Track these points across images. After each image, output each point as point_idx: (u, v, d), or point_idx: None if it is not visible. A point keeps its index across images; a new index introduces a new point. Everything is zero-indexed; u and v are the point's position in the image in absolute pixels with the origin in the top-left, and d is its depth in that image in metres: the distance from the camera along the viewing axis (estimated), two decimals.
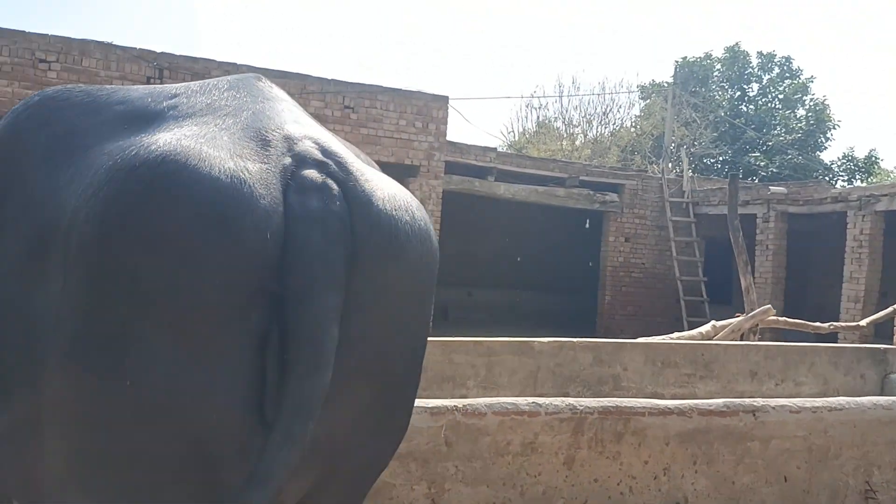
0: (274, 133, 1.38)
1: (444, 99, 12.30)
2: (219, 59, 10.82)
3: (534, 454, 2.91)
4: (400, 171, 12.20)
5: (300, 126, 1.45)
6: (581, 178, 14.99)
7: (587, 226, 15.87)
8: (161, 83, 10.49)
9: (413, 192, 12.51)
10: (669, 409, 3.04)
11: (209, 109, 1.46)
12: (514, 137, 25.68)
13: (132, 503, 1.29)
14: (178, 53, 10.59)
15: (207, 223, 1.21)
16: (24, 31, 9.70)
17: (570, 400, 3.00)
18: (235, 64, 10.92)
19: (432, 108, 12.16)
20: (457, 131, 46.42)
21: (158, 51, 10.50)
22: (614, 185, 15.42)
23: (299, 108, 1.62)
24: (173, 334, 1.23)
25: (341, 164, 1.37)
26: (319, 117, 11.49)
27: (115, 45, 10.26)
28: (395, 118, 11.90)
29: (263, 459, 1.21)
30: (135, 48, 10.37)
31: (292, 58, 48.53)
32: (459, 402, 2.81)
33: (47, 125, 1.49)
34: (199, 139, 1.30)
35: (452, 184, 13.08)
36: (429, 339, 1.71)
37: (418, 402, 2.78)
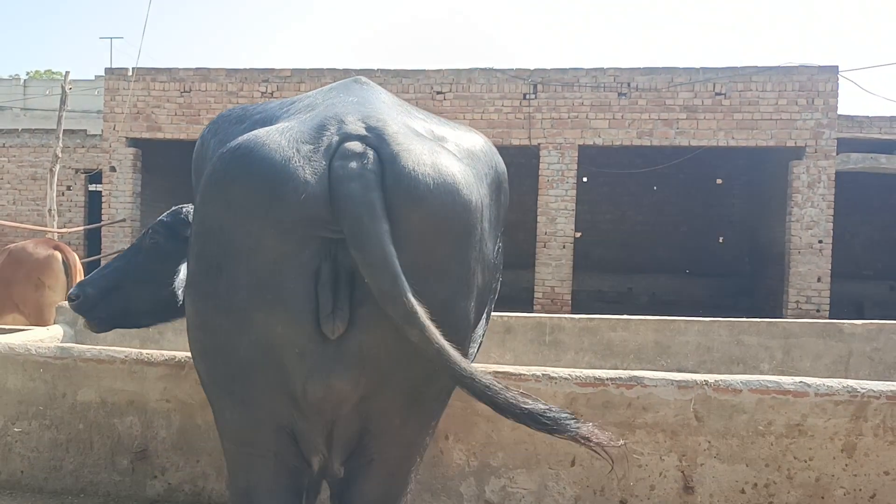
0: (332, 119, 1.80)
1: (833, 69, 11.03)
2: (586, 66, 11.37)
3: (802, 437, 2.71)
4: (782, 155, 11.31)
5: (359, 111, 1.84)
6: None
7: None
8: (535, 98, 11.46)
9: (799, 177, 11.41)
10: None
11: (305, 108, 1.97)
12: None
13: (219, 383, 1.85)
14: (548, 68, 11.40)
15: (261, 191, 1.68)
16: (424, 70, 11.48)
17: (850, 382, 2.72)
18: (603, 69, 11.37)
19: (818, 81, 11.01)
20: (852, 105, 39.82)
21: (532, 68, 11.45)
22: None
23: (381, 99, 2.01)
24: (247, 268, 1.70)
25: (379, 136, 1.75)
26: (688, 108, 11.30)
27: (494, 70, 11.50)
28: (774, 98, 11.06)
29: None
30: (511, 69, 11.48)
31: (659, 53, 48.10)
32: (710, 377, 2.77)
33: (216, 134, 2.15)
34: (275, 131, 1.77)
35: (850, 163, 11.62)
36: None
37: (664, 375, 2.83)
